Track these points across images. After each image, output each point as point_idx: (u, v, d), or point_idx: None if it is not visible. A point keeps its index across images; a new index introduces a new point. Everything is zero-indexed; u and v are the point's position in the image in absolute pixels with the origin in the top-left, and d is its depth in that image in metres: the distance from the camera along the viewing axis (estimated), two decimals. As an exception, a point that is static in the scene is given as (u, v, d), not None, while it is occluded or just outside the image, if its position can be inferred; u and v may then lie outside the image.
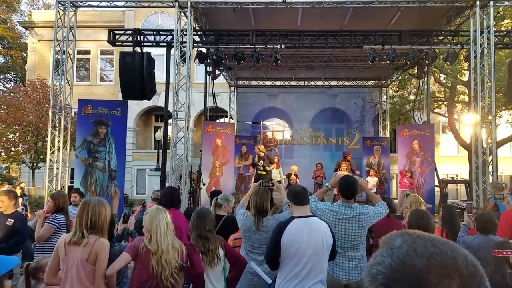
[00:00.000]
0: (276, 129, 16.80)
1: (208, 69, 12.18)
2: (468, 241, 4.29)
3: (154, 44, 9.85)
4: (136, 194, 21.54)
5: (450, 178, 12.15)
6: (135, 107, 21.46)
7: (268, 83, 15.99)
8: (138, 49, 9.54)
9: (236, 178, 14.04)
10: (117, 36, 9.85)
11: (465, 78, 15.32)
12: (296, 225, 3.12)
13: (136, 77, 8.95)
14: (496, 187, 6.41)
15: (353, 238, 3.59)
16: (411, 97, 16.74)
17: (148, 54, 9.21)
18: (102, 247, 2.97)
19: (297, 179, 12.01)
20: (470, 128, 16.26)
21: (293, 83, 15.89)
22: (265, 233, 3.72)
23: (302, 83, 15.94)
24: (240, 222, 3.82)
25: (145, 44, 9.85)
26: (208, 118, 13.53)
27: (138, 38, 9.67)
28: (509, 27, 13.06)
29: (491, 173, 7.85)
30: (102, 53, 22.57)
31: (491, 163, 8.00)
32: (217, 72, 12.52)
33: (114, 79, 21.86)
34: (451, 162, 19.32)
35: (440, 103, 17.49)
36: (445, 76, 15.67)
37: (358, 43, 9.47)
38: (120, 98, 10.03)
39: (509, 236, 4.32)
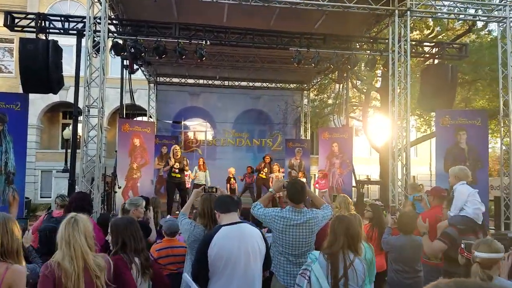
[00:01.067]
0: (198, 129, 16.24)
1: (125, 63, 11.25)
2: (392, 241, 4.37)
3: (62, 31, 8.76)
4: (41, 197, 19.55)
5: (366, 179, 12.71)
6: (39, 102, 19.43)
7: (190, 81, 15.38)
8: (43, 37, 8.42)
9: (156, 181, 13.23)
10: (16, 21, 8.57)
11: (378, 85, 16.34)
12: (224, 232, 2.80)
13: (40, 67, 7.86)
14: (414, 188, 6.72)
15: (304, 244, 3.43)
16: (330, 101, 17.39)
17: (55, 42, 8.15)
18: (17, 276, 2.25)
19: (236, 182, 11.64)
20: (381, 131, 17.39)
21: (217, 82, 15.47)
22: None
23: (226, 83, 15.61)
24: (187, 232, 3.37)
25: (50, 31, 8.70)
26: (124, 116, 12.53)
27: (43, 24, 8.52)
28: (418, 38, 14.12)
29: (406, 174, 8.26)
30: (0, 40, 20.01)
31: (405, 164, 8.42)
32: (135, 66, 11.66)
33: (14, 70, 19.52)
34: (362, 163, 20.49)
35: (354, 107, 18.43)
36: (361, 82, 16.50)
37: (284, 44, 9.42)
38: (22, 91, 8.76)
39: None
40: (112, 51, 9.12)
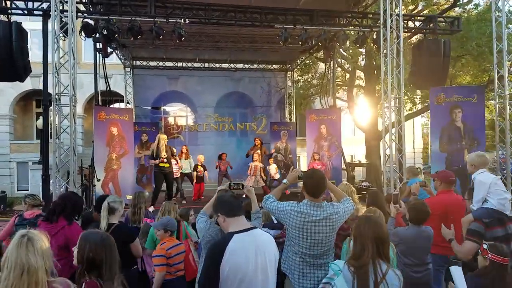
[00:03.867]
0: (179, 114, 15.58)
1: (98, 46, 10.48)
2: (401, 233, 4.00)
3: (25, 12, 7.96)
4: (18, 190, 18.79)
5: (355, 161, 12.41)
6: (10, 91, 18.51)
7: (168, 64, 14.65)
8: (5, 19, 7.64)
9: (137, 170, 12.67)
10: (-28, 0, 7.74)
11: (362, 63, 15.98)
12: (238, 242, 2.36)
13: (3, 52, 7.13)
14: (412, 172, 6.38)
15: (323, 243, 3.02)
16: (314, 81, 16.95)
17: (18, 24, 7.38)
18: None
19: (205, 171, 11.11)
20: (366, 111, 17.15)
21: (197, 65, 14.80)
22: None
23: (206, 65, 14.96)
24: (202, 231, 3.02)
25: (13, 12, 7.92)
26: (100, 103, 11.80)
27: (3, 4, 7.72)
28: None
29: (401, 156, 7.94)
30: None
31: (400, 146, 8.09)
32: (109, 50, 10.90)
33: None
34: (346, 143, 20.23)
35: (338, 87, 18.05)
36: (345, 61, 16.07)
37: (268, 21, 8.85)
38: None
39: (435, 225, 4.10)
40: (82, 33, 8.39)
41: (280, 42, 8.92)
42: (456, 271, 2.70)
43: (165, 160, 9.06)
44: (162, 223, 4.02)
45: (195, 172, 11.04)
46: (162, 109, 15.29)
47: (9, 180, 19.18)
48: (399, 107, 8.03)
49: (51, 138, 7.31)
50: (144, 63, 14.63)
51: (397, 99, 8.04)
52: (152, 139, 12.69)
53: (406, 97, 16.10)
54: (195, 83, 15.23)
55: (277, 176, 11.35)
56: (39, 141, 17.37)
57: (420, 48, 8.71)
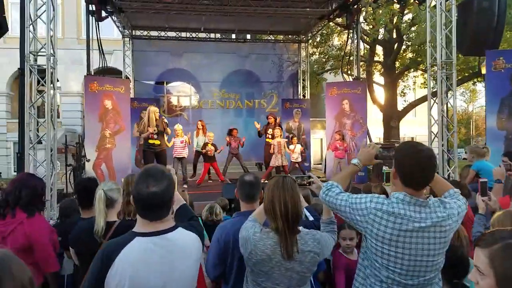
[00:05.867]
0: (182, 93, 14.28)
1: (90, 8, 9.13)
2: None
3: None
4: (15, 172, 17.77)
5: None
6: (7, 67, 17.38)
7: (171, 34, 13.24)
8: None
9: (136, 150, 11.44)
10: None
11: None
12: (137, 249, 1.59)
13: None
14: (477, 153, 5.01)
15: (429, 266, 1.80)
16: (333, 52, 15.60)
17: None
18: None
19: (216, 151, 9.50)
20: (384, 90, 15.87)
21: (202, 35, 13.40)
22: (299, 265, 1.96)
23: (212, 35, 13.59)
24: (248, 244, 1.97)
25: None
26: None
27: None
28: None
29: (451, 134, 6.57)
30: None
31: (451, 124, 6.71)
32: (104, 14, 9.58)
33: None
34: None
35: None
36: (363, 35, 14.58)
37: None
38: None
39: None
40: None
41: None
42: None
43: (155, 136, 7.61)
44: None
45: (204, 151, 9.54)
46: (165, 87, 14.08)
47: (5, 160, 18.29)
48: (450, 73, 6.61)
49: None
50: (145, 33, 13.25)
51: (447, 64, 6.63)
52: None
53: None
54: (199, 58, 13.95)
55: (299, 159, 9.78)
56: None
57: (468, 4, 7.08)
